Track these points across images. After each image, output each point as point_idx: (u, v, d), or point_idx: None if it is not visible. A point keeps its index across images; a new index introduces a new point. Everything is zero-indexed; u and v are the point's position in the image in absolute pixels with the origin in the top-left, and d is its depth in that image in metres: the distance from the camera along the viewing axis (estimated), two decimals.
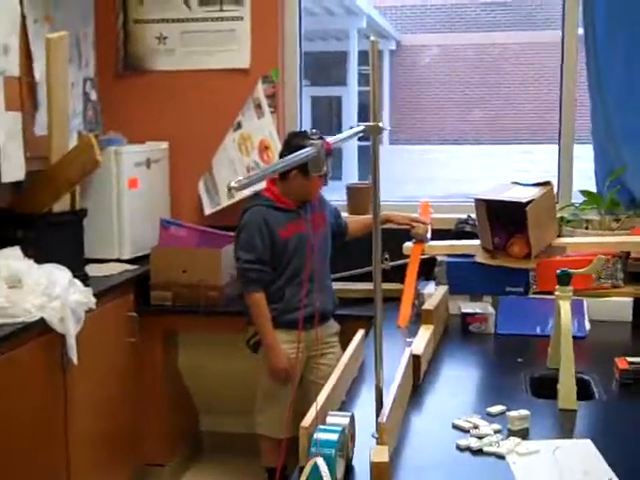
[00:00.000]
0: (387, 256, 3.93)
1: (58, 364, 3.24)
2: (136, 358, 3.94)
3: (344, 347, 2.92)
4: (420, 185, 13.76)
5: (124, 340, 3.83)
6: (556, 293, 2.64)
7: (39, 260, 3.31)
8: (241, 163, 4.38)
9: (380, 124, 2.13)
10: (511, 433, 2.30)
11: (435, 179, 14.98)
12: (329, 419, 2.16)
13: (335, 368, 2.55)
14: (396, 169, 13.75)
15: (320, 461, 1.93)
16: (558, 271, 2.61)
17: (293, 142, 3.57)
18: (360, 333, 2.93)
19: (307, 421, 2.13)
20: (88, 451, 3.51)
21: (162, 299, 4.01)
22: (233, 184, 1.72)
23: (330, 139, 2.07)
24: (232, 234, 3.76)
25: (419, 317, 3.17)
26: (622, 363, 2.73)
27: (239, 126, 4.38)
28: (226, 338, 4.07)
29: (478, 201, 3.56)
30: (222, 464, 4.30)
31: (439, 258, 3.71)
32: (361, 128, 2.13)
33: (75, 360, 3.23)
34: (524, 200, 3.40)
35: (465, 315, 3.36)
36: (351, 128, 2.25)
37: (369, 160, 2.16)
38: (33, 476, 3.10)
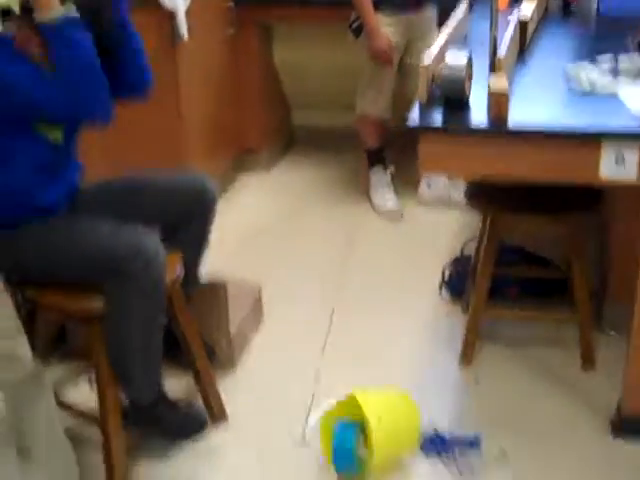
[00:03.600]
0: None
1: (169, 40, 3.35)
2: (234, 51, 4.05)
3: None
4: None
5: (223, 31, 3.93)
6: None
7: None
8: None
9: None
10: (620, 74, 2.39)
11: None
12: (448, 56, 2.23)
13: None
14: None
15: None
16: None
17: None
18: (465, 2, 2.98)
19: (428, 60, 2.24)
20: (198, 133, 3.72)
21: None
22: None
23: None
24: None
25: (517, 1, 3.17)
26: None
27: None
28: (321, 30, 4.13)
29: None
30: (313, 155, 4.50)
31: None
32: None
33: (186, 35, 3.34)
34: None
35: None
36: None
37: None
38: (150, 153, 3.30)
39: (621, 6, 3.21)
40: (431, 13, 3.76)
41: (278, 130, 4.52)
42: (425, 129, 2.18)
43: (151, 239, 2.17)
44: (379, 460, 2.22)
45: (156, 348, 2.25)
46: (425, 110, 2.23)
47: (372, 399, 2.26)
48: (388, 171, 3.94)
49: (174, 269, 2.30)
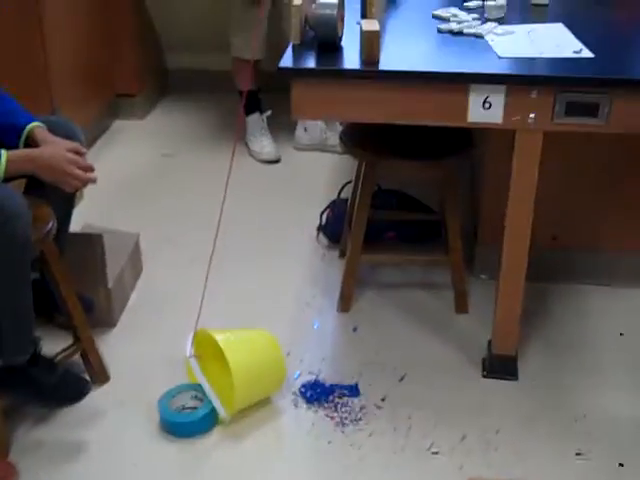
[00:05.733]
0: None
1: None
2: None
3: None
4: None
5: None
6: None
7: None
8: None
9: None
10: (488, 19, 2.45)
11: None
12: None
13: None
14: None
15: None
16: None
17: None
18: None
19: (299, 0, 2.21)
20: (67, 80, 3.57)
21: None
22: None
23: None
24: None
25: None
26: None
27: None
28: None
29: None
30: (189, 99, 4.43)
31: None
32: None
33: None
34: None
35: None
36: None
37: None
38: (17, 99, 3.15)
39: None
40: None
41: (153, 72, 4.40)
42: (296, 72, 2.16)
43: (12, 197, 2.08)
44: (244, 398, 2.26)
45: (26, 306, 2.19)
46: (298, 53, 2.22)
47: (230, 337, 2.32)
48: (264, 116, 3.91)
49: (44, 224, 2.23)
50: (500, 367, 2.46)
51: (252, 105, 3.90)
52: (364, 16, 2.27)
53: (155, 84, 4.43)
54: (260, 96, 3.93)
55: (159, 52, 4.55)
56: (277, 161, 3.82)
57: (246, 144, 3.89)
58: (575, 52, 2.19)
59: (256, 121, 3.90)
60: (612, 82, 2.10)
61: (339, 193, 3.19)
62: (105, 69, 4.03)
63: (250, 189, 3.51)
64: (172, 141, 4.01)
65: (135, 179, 3.64)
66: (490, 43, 2.29)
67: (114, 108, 4.16)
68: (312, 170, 3.71)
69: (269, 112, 3.90)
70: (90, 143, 3.76)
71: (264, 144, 3.86)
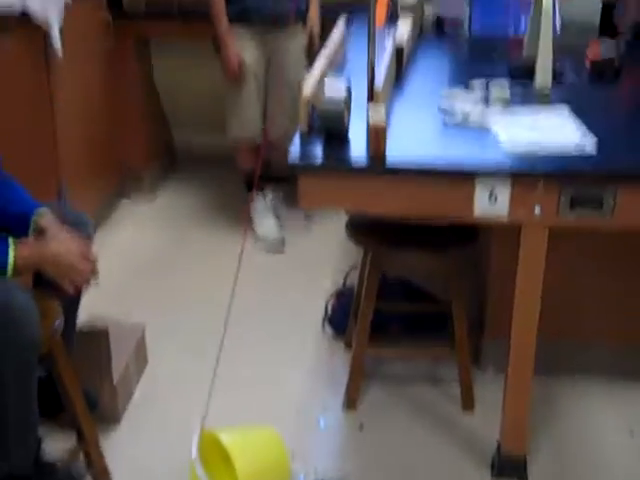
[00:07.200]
0: None
1: (42, 58, 3.22)
2: (112, 67, 3.94)
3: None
4: None
5: (100, 46, 3.81)
6: None
7: None
8: None
9: None
10: (492, 103, 2.45)
11: None
12: (327, 87, 2.20)
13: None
14: None
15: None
16: None
17: None
18: (343, 18, 2.98)
19: (307, 91, 2.24)
20: (75, 157, 3.59)
21: (135, 3, 3.93)
22: None
23: None
24: None
25: (393, 18, 3.19)
26: (593, 54, 2.85)
27: None
28: (201, 47, 4.04)
29: None
30: (196, 177, 4.45)
31: None
32: None
33: (60, 52, 3.21)
34: None
35: (440, 17, 3.40)
36: None
37: None
38: (25, 178, 3.18)
39: (491, 26, 3.35)
40: (296, 30, 3.68)
41: (160, 150, 4.42)
42: (304, 167, 2.17)
43: (20, 297, 2.06)
44: None
45: (30, 414, 2.15)
46: (305, 142, 2.23)
47: (237, 439, 2.28)
48: (268, 197, 3.88)
49: (51, 320, 2.22)
50: (510, 469, 2.41)
51: (254, 186, 3.80)
52: (370, 98, 2.27)
53: (163, 162, 4.46)
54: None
55: (167, 130, 4.58)
56: (281, 244, 3.75)
57: (251, 225, 3.84)
58: (579, 144, 2.18)
59: (259, 202, 3.86)
60: (615, 176, 2.10)
61: (344, 280, 3.17)
62: (113, 148, 4.05)
63: (256, 273, 3.47)
64: (179, 222, 4.02)
65: (141, 264, 3.64)
66: (495, 132, 2.27)
67: (121, 187, 4.17)
68: (319, 252, 3.70)
69: (272, 194, 3.87)
70: (97, 224, 3.76)
71: (267, 226, 3.81)
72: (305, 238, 3.85)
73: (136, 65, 4.11)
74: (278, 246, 3.75)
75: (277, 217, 3.87)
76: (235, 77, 3.57)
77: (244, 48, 3.56)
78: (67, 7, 3.29)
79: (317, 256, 3.68)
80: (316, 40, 3.70)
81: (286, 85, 3.62)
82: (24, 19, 3.04)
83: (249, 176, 3.80)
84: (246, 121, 3.67)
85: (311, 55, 3.59)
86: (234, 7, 3.53)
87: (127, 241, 3.82)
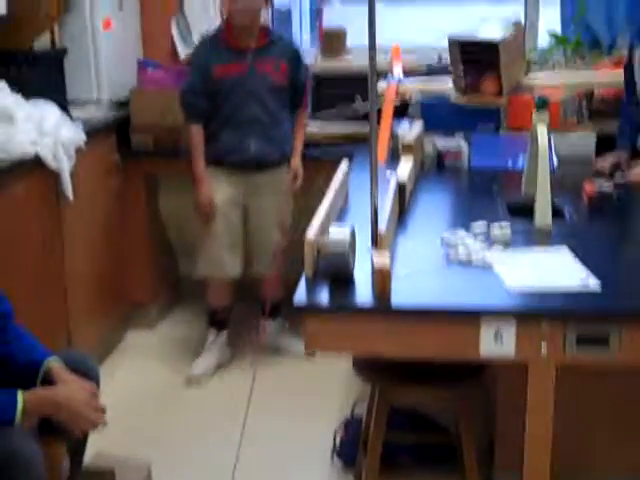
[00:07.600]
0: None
1: (54, 202, 3.33)
2: (120, 202, 4.03)
3: (325, 182, 2.94)
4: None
5: (109, 184, 3.92)
6: (533, 117, 2.80)
7: (24, 97, 3.26)
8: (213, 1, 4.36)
9: None
10: (494, 243, 2.51)
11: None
12: (331, 233, 2.26)
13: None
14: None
15: None
16: (536, 97, 2.78)
17: None
18: (345, 163, 3.07)
19: (311, 234, 2.29)
20: (83, 295, 3.66)
21: (143, 142, 4.06)
22: None
23: None
24: None
25: (394, 155, 3.31)
26: (589, 188, 2.94)
27: None
28: None
29: (452, 41, 3.65)
30: (201, 306, 4.37)
31: (413, 98, 3.81)
32: None
33: (71, 197, 3.32)
34: (497, 40, 3.51)
35: (440, 152, 3.52)
36: None
37: None
38: (34, 325, 3.20)
39: (489, 162, 3.51)
40: (280, 171, 3.73)
41: (166, 283, 4.48)
42: (310, 310, 2.19)
43: (26, 445, 2.08)
44: None
45: None
46: (311, 285, 2.25)
47: None
48: (222, 333, 3.87)
49: (57, 465, 2.21)
50: None
51: (213, 322, 3.87)
52: (374, 242, 2.31)
53: (168, 293, 4.50)
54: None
55: (174, 261, 4.64)
56: (198, 380, 3.73)
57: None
58: (583, 282, 2.22)
59: (211, 337, 3.87)
60: (619, 315, 2.13)
61: (352, 410, 3.16)
62: (121, 283, 4.10)
63: (263, 403, 3.39)
64: (183, 353, 4.01)
65: (146, 397, 3.64)
66: (497, 272, 2.32)
67: (127, 319, 4.20)
68: (327, 380, 3.69)
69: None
70: (102, 358, 3.80)
71: (199, 360, 3.81)
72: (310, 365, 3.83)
73: (144, 201, 4.21)
74: (196, 381, 3.75)
75: (223, 355, 3.88)
76: (204, 216, 3.65)
77: (217, 189, 3.64)
78: (79, 151, 3.41)
79: (327, 381, 3.68)
80: (298, 181, 3.76)
81: (267, 227, 3.68)
82: (37, 164, 3.16)
83: (213, 313, 3.86)
84: (213, 260, 3.70)
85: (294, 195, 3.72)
86: (210, 149, 3.64)
87: (132, 373, 3.82)
